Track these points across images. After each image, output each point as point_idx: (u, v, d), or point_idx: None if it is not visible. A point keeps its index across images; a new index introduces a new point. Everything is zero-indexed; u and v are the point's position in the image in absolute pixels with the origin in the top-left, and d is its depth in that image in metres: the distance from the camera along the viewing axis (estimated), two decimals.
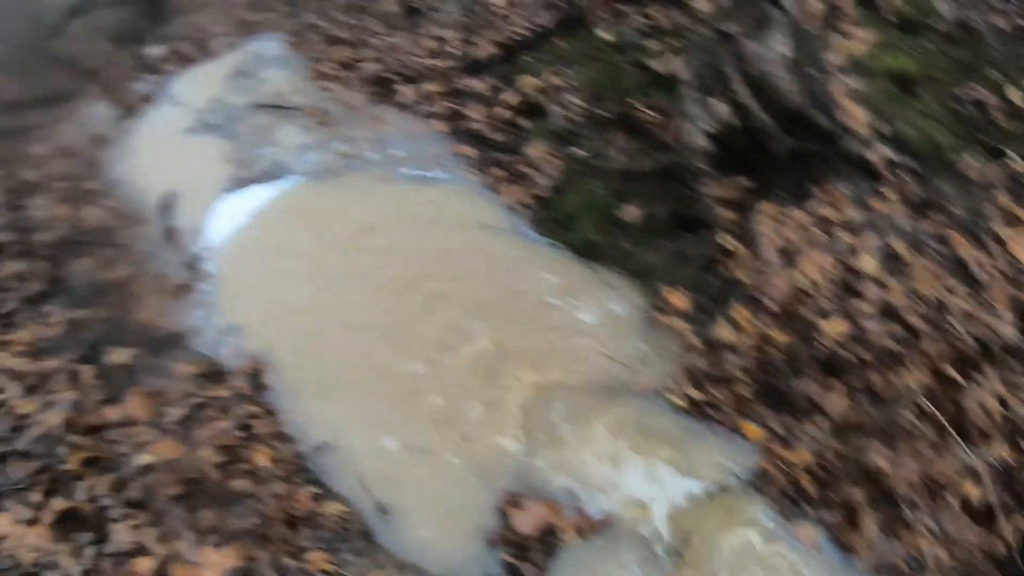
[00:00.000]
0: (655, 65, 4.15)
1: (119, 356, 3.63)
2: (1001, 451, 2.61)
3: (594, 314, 3.51)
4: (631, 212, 3.78)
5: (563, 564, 2.71)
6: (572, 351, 3.39)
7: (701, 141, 3.54)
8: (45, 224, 4.57)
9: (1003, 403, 2.70)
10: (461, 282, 3.75)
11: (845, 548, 2.66)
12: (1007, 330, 2.82)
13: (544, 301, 3.59)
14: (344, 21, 5.91)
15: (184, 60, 6.16)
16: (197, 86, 5.78)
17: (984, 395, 2.71)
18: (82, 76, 6.15)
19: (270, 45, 6.05)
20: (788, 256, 3.24)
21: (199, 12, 6.87)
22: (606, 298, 3.57)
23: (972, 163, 3.34)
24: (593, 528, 2.78)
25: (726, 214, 3.50)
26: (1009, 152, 3.32)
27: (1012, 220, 3.12)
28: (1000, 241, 3.06)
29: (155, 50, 6.31)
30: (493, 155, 4.43)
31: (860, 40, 3.74)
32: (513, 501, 2.87)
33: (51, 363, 3.52)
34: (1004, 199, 3.19)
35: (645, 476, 2.91)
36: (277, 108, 5.18)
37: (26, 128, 5.60)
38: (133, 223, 4.63)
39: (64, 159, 5.26)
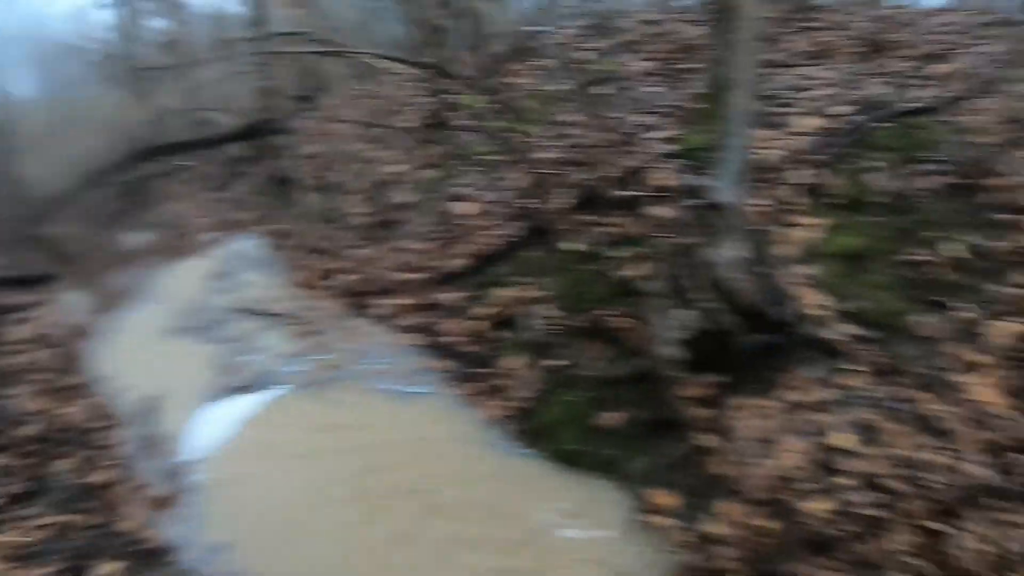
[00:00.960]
0: (622, 273, 4.43)
1: (107, 570, 3.56)
2: None
3: (583, 527, 3.50)
4: (610, 418, 3.91)
5: None
6: (568, 571, 3.33)
7: (671, 346, 3.75)
8: (26, 417, 4.51)
9: (989, 541, 2.76)
10: (446, 505, 3.73)
11: None
12: (981, 472, 2.92)
13: (531, 520, 3.54)
14: (322, 230, 6.26)
15: (164, 253, 6.36)
16: (178, 283, 5.94)
17: (968, 539, 2.78)
18: (63, 260, 6.27)
19: (251, 246, 6.31)
20: (765, 445, 3.36)
21: (181, 202, 7.17)
22: (593, 508, 3.59)
23: (922, 321, 3.53)
24: None
25: (701, 412, 3.66)
26: (950, 303, 3.54)
27: (966, 367, 3.29)
28: (959, 389, 3.21)
29: (136, 238, 6.50)
30: (469, 369, 4.54)
31: (813, 227, 4.05)
32: None
33: (37, 572, 3.42)
34: (954, 349, 3.37)
35: None
36: (259, 314, 5.36)
37: (5, 308, 5.63)
38: (114, 424, 4.64)
39: (43, 348, 5.28)
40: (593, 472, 3.76)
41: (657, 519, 3.48)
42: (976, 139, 4.25)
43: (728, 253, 3.63)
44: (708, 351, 3.70)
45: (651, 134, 5.15)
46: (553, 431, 4.03)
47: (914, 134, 4.47)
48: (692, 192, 3.81)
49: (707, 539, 3.29)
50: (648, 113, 5.40)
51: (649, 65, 6.29)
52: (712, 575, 3.19)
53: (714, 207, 3.66)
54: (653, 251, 4.23)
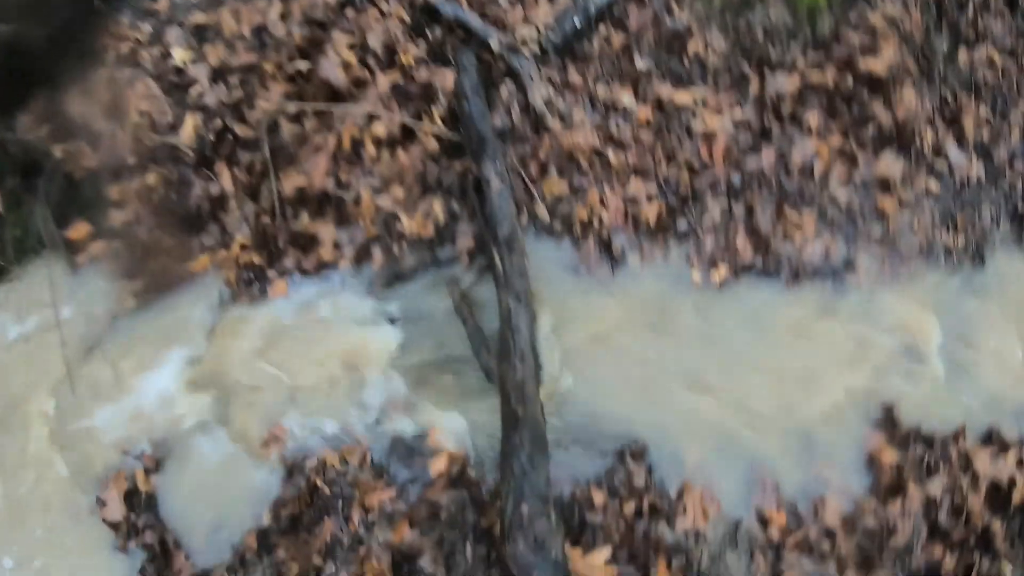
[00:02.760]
0: None
1: None
2: None
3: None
4: None
5: None
6: None
7: None
8: None
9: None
10: None
11: None
12: None
13: None
14: None
15: None
16: None
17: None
18: None
19: None
20: (117, 110, 3.05)
21: None
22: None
23: None
24: None
25: (45, 131, 3.08)
26: None
27: None
28: None
29: None
30: None
31: None
32: None
33: None
34: None
35: None
36: None
37: None
38: None
39: None
40: None
41: (87, 253, 2.97)
42: None
43: None
44: (9, 75, 3.04)
45: None
46: None
47: None
48: None
49: (124, 229, 2.95)
50: None
51: None
52: (144, 258, 2.90)
53: None
54: None
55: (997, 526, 2.43)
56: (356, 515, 2.44)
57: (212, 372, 2.72)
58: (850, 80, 3.00)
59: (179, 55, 3.13)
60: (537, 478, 2.18)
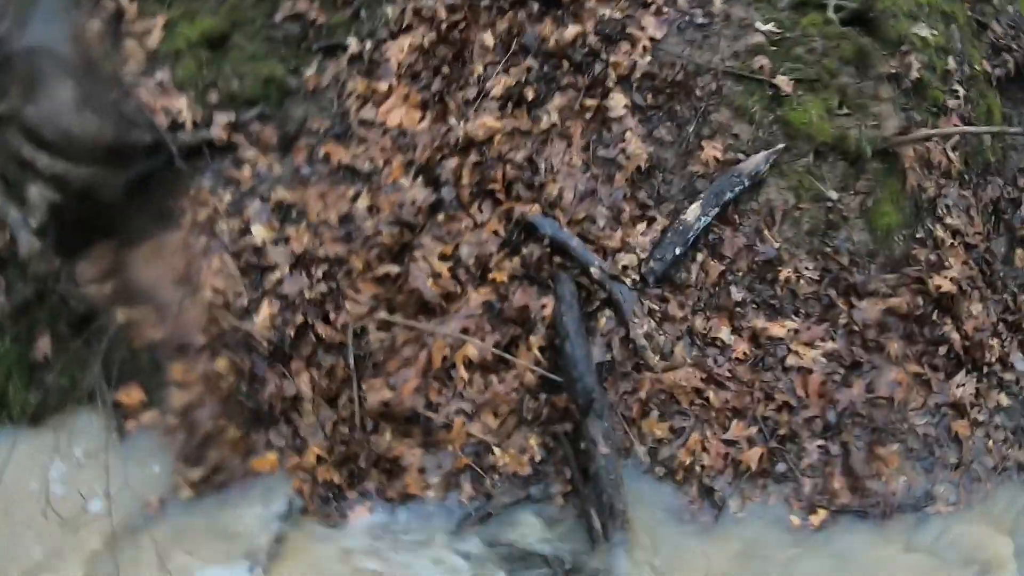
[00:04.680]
0: None
1: None
2: None
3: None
4: (40, 350, 3.05)
5: None
6: None
7: (29, 242, 2.89)
8: None
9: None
10: None
11: None
12: (420, 194, 2.95)
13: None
14: None
15: None
16: None
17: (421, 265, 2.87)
18: None
19: None
20: (188, 282, 2.94)
21: None
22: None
23: (307, 75, 3.23)
24: None
25: (106, 288, 3.01)
26: (340, 42, 3.22)
27: (366, 96, 3.13)
28: (372, 124, 3.10)
29: None
30: None
31: (149, 30, 3.29)
32: None
33: None
34: (358, 83, 3.15)
35: None
36: None
37: None
38: None
39: None
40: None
41: (137, 421, 2.89)
42: None
43: (60, 97, 2.90)
44: (78, 221, 2.98)
45: None
46: None
47: None
48: None
49: (185, 411, 2.84)
50: None
51: None
52: (204, 445, 2.79)
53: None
54: None
55: None
56: None
57: None
58: (921, 300, 3.13)
59: (259, 233, 2.96)
60: None
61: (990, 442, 3.03)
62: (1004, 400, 3.12)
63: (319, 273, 2.92)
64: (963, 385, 3.07)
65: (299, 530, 2.71)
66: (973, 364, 3.13)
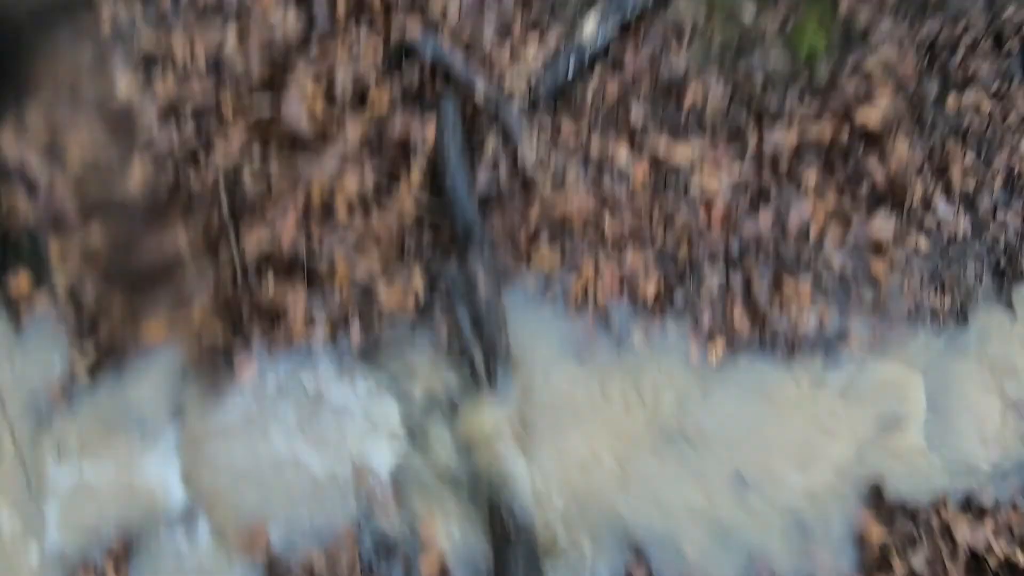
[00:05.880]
0: None
1: None
2: None
3: None
4: None
5: None
6: None
7: None
8: None
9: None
10: None
11: None
12: (291, 21, 2.72)
13: None
14: None
15: None
16: None
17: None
18: None
19: None
20: (55, 153, 2.66)
21: None
22: None
23: None
24: None
25: None
26: None
27: None
28: None
29: None
30: None
31: None
32: None
33: None
34: None
35: None
36: None
37: None
38: None
39: None
40: None
41: (30, 310, 2.60)
42: None
43: None
44: None
45: None
46: None
47: None
48: None
49: (69, 290, 2.61)
50: None
51: None
52: (94, 322, 2.59)
53: None
54: None
55: None
56: None
57: (179, 460, 2.51)
58: (846, 132, 2.88)
59: (124, 88, 2.69)
60: None
61: (906, 284, 2.82)
62: (923, 244, 2.90)
63: (188, 122, 2.68)
64: (883, 224, 2.84)
65: (194, 395, 2.56)
66: (895, 202, 2.90)
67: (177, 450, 2.52)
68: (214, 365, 2.57)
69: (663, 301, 2.61)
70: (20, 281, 2.61)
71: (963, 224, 2.93)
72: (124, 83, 2.68)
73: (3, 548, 2.41)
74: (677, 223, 2.65)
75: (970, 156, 3.05)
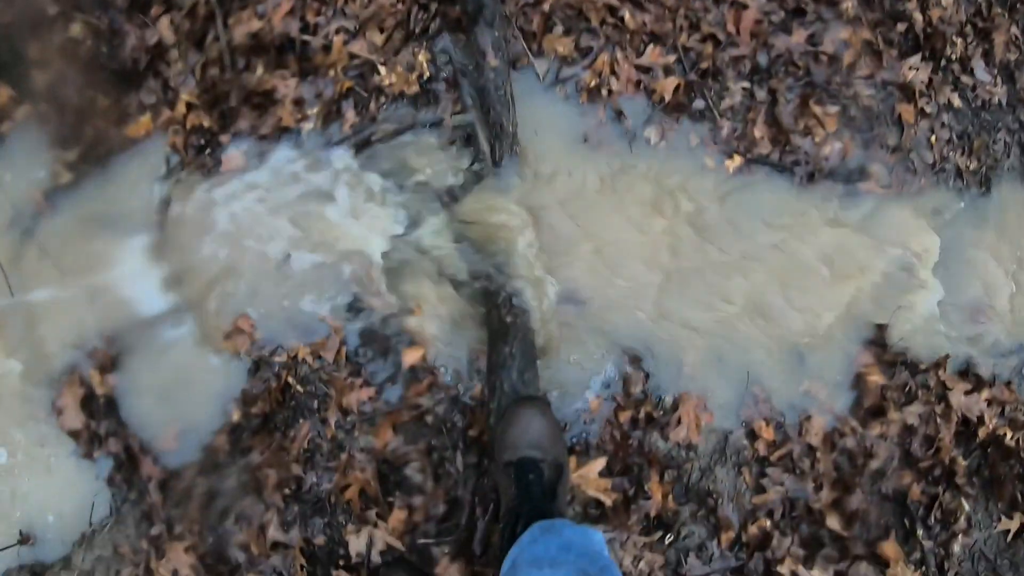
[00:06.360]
0: None
1: None
2: None
3: None
4: None
5: None
6: None
7: None
8: None
9: None
10: None
11: None
12: None
13: None
14: None
15: None
16: None
17: None
18: None
19: None
20: None
21: None
22: None
23: None
24: None
25: None
26: None
27: None
28: None
29: None
30: None
31: None
32: None
33: None
34: None
35: None
36: None
37: None
38: None
39: None
40: None
41: (11, 120, 2.43)
42: None
43: None
44: None
45: None
46: None
47: None
48: None
49: (49, 92, 2.48)
50: None
51: None
52: (77, 122, 2.45)
53: None
54: None
55: (960, 461, 2.38)
56: (333, 418, 2.19)
57: (164, 255, 2.34)
58: None
59: None
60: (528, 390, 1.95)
61: (933, 137, 2.66)
62: (956, 101, 2.73)
63: None
64: (916, 69, 2.66)
65: (181, 187, 2.38)
66: (931, 52, 2.72)
67: (161, 246, 2.36)
68: (200, 156, 2.39)
69: (682, 103, 2.41)
70: None
71: (999, 93, 2.77)
72: None
73: None
74: (703, 26, 2.44)
75: (1015, 28, 2.88)
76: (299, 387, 2.23)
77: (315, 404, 2.23)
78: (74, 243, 2.35)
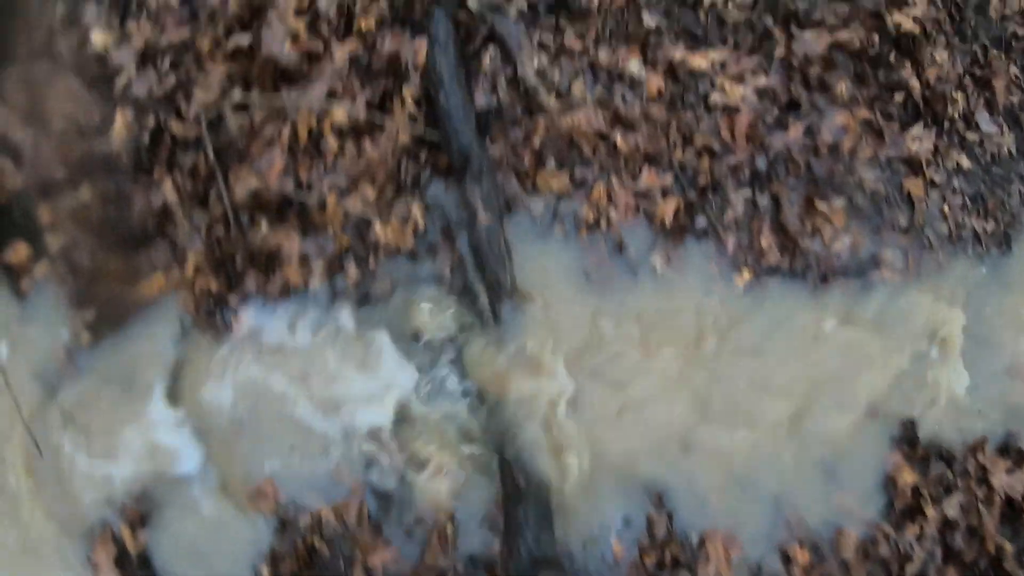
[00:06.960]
0: None
1: None
2: None
3: None
4: None
5: None
6: None
7: None
8: None
9: None
10: None
11: None
12: None
13: None
14: None
15: None
16: None
17: None
18: None
19: None
20: (36, 115, 2.51)
21: None
22: None
23: None
24: None
25: None
26: None
27: None
28: None
29: None
30: None
31: None
32: None
33: None
34: None
35: None
36: None
37: None
38: None
39: None
40: None
41: (31, 277, 2.48)
42: None
43: None
44: None
45: None
46: None
47: None
48: None
49: (64, 254, 2.52)
50: None
51: None
52: (91, 283, 2.47)
53: None
54: None
55: (1007, 547, 2.32)
56: None
57: (183, 416, 2.37)
58: (877, 37, 2.60)
59: (99, 39, 2.50)
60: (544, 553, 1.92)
61: (946, 206, 2.58)
62: (965, 161, 2.65)
63: (166, 65, 2.46)
64: (920, 139, 2.59)
65: (195, 348, 2.40)
66: (933, 117, 2.64)
67: (180, 408, 2.38)
68: (211, 318, 2.41)
69: (683, 224, 2.36)
70: (17, 250, 2.45)
71: (1007, 142, 2.69)
72: (98, 34, 2.50)
73: (19, 519, 2.34)
74: (697, 139, 2.39)
75: (1014, 68, 2.79)
76: (325, 548, 2.24)
77: (341, 565, 2.23)
78: (96, 404, 2.38)
